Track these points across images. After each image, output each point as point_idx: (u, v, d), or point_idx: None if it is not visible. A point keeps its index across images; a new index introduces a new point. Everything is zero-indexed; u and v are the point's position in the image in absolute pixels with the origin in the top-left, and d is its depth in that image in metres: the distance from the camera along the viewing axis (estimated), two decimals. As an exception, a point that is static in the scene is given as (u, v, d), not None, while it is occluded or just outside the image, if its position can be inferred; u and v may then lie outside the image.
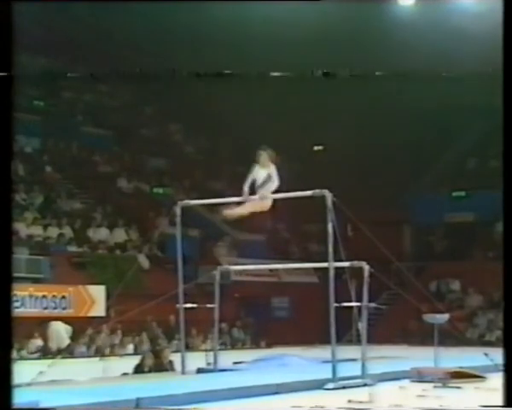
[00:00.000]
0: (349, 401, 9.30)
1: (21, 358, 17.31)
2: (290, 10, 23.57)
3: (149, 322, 21.01)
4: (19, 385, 9.40)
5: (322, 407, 8.86)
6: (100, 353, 18.75)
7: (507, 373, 6.43)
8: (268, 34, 24.33)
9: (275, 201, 12.26)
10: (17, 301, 18.58)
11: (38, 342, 18.93)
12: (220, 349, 14.55)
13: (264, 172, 11.96)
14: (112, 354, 18.81)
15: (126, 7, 24.35)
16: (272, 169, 11.95)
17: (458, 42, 23.37)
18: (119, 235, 24.29)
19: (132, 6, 24.33)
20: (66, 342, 18.67)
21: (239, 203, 12.18)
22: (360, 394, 9.66)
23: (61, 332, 18.74)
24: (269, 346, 22.81)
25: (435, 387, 10.98)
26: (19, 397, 7.63)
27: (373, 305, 12.35)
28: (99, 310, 20.36)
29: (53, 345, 18.58)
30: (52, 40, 26.38)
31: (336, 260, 11.48)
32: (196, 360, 13.94)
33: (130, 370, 14.46)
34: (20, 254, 20.03)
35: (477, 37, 21.69)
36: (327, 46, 24.67)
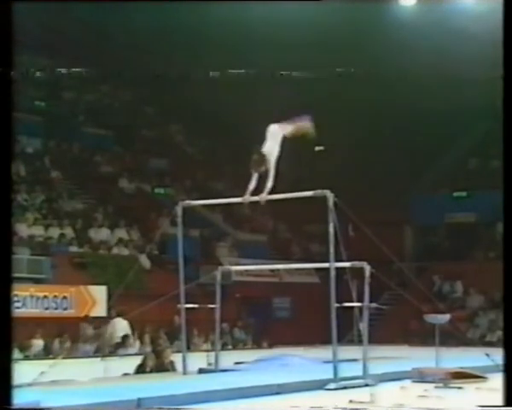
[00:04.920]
0: (350, 402, 9.30)
1: (24, 358, 17.36)
2: (290, 10, 23.56)
3: (151, 322, 21.02)
4: (20, 385, 9.44)
5: (323, 408, 8.87)
6: (101, 353, 18.77)
7: (507, 373, 6.43)
8: (268, 34, 24.32)
9: (276, 201, 12.27)
10: (18, 301, 18.60)
11: (40, 342, 18.96)
12: (221, 350, 14.56)
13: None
14: (113, 354, 18.83)
15: (126, 7, 24.35)
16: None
17: (459, 42, 23.37)
18: (121, 235, 24.29)
19: (133, 6, 24.33)
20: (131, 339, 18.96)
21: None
22: (361, 394, 9.66)
23: (123, 328, 18.95)
24: (270, 346, 22.80)
25: (436, 387, 10.98)
26: (21, 397, 7.64)
27: (374, 305, 12.34)
28: (100, 310, 20.38)
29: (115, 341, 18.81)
30: (53, 41, 26.40)
31: (337, 261, 11.48)
32: (198, 360, 13.94)
33: (131, 370, 14.46)
34: (22, 255, 20.07)
35: (478, 37, 21.69)
36: (328, 46, 24.66)
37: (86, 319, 20.13)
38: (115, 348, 18.84)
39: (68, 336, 19.30)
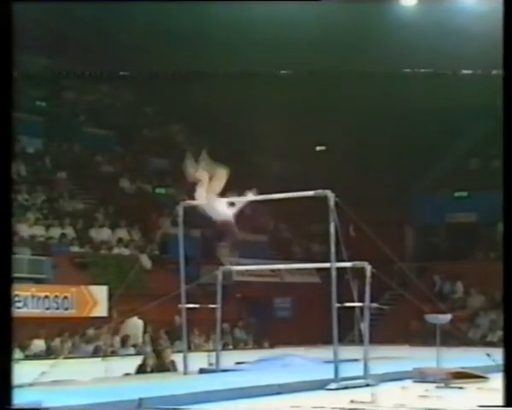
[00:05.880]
0: (351, 402, 9.30)
1: (25, 358, 17.38)
2: (291, 10, 23.55)
3: (151, 322, 21.04)
4: (22, 385, 9.43)
5: (324, 408, 8.86)
6: (102, 353, 18.78)
7: (507, 373, 6.41)
8: (269, 34, 24.31)
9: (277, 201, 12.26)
10: (19, 301, 18.62)
11: (41, 342, 18.98)
12: (222, 350, 14.56)
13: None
14: (114, 354, 18.84)
15: (127, 7, 24.36)
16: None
17: (460, 42, 23.36)
18: (122, 235, 24.30)
19: (133, 6, 24.33)
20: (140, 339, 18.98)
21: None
22: (362, 394, 9.66)
23: (139, 328, 18.99)
24: (271, 346, 22.81)
25: (437, 387, 10.98)
26: (22, 397, 7.64)
27: (375, 305, 12.33)
28: (101, 310, 20.38)
29: (130, 340, 18.85)
30: (53, 41, 26.40)
31: (338, 261, 11.47)
32: (198, 360, 13.95)
33: (132, 370, 14.46)
34: (23, 255, 20.07)
35: (479, 37, 21.68)
36: (329, 46, 24.67)
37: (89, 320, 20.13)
38: (130, 347, 18.85)
39: (69, 335, 19.33)
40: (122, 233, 24.41)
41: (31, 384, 10.23)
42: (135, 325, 19.31)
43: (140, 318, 19.32)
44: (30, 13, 16.36)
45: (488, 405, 8.16)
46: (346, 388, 10.78)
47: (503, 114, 6.58)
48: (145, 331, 19.96)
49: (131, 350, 19.19)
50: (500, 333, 23.05)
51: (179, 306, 12.88)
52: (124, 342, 19.53)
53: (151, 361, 14.37)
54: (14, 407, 6.33)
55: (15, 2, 6.43)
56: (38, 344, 18.86)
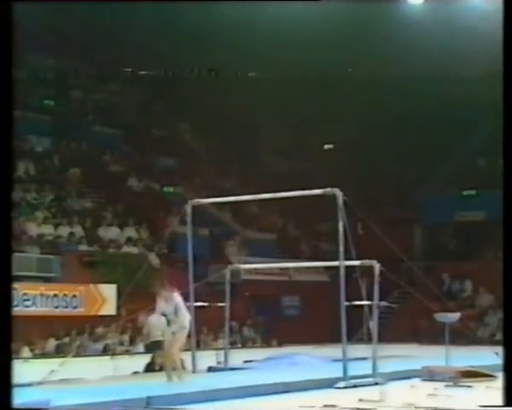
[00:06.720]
0: (360, 400, 9.30)
1: (34, 357, 17.39)
2: (298, 9, 23.54)
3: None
4: (31, 384, 9.45)
5: (332, 406, 8.86)
6: (110, 351, 18.77)
7: (507, 373, 6.40)
8: (277, 34, 24.29)
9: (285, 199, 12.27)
10: (28, 300, 18.66)
11: (50, 340, 19.00)
12: (231, 348, 14.57)
13: (170, 306, 11.78)
14: (122, 352, 18.83)
15: (134, 7, 24.37)
16: (178, 301, 11.76)
17: (467, 41, 23.30)
18: (130, 234, 24.31)
19: (141, 5, 24.34)
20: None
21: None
22: (371, 392, 9.66)
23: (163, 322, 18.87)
24: (279, 345, 22.80)
25: (446, 386, 10.97)
26: (31, 396, 7.66)
27: (384, 304, 12.34)
28: (110, 309, 20.39)
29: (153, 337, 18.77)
30: (60, 41, 26.45)
31: (347, 259, 11.48)
32: (207, 358, 13.96)
33: (140, 368, 14.48)
34: (31, 253, 20.09)
35: (486, 35, 21.63)
36: (336, 45, 24.64)
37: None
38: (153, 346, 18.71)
39: (78, 334, 19.35)
40: (130, 232, 24.42)
41: (40, 383, 10.26)
42: (157, 321, 19.14)
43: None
44: (36, 13, 16.40)
45: (490, 405, 8.15)
46: (354, 386, 10.79)
47: (503, 113, 6.58)
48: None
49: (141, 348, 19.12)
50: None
51: (188, 304, 12.91)
52: (144, 339, 19.28)
53: (160, 360, 14.38)
54: (14, 407, 6.33)
55: (16, 2, 6.43)
56: (47, 343, 18.90)
